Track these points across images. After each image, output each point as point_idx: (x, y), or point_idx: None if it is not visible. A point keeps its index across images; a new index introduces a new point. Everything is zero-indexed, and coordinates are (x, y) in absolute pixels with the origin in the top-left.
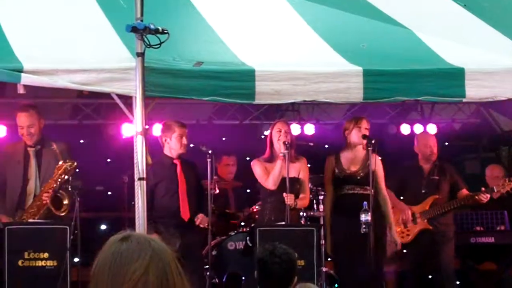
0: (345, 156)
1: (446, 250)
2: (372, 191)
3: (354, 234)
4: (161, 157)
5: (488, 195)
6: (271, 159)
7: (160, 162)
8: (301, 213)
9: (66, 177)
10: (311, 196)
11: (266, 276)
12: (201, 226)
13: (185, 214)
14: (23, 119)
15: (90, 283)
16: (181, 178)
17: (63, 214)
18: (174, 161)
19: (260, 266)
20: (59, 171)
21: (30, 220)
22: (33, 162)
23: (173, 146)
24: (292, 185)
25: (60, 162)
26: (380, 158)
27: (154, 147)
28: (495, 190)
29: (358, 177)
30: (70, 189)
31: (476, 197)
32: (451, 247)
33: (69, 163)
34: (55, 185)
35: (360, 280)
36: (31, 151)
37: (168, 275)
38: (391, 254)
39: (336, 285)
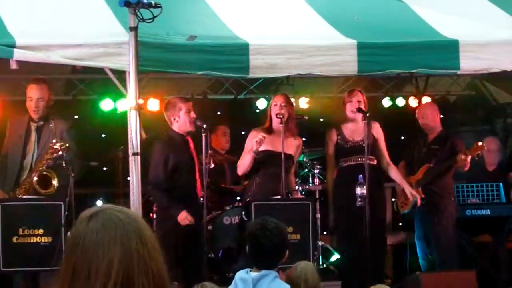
0: (347, 128)
1: (438, 221)
2: (376, 161)
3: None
4: (169, 134)
5: (465, 157)
6: (270, 130)
7: (170, 138)
8: (296, 187)
9: (55, 155)
10: (305, 170)
11: (257, 250)
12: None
13: (200, 191)
14: (34, 91)
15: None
16: (195, 155)
17: (48, 193)
18: (186, 137)
19: (251, 241)
20: (51, 151)
21: (24, 197)
22: (33, 137)
23: (182, 123)
24: (276, 159)
25: (54, 141)
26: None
27: (148, 122)
28: (466, 153)
29: (363, 147)
30: (64, 164)
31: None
32: (444, 219)
33: (61, 144)
34: (45, 164)
35: (359, 254)
36: (33, 126)
37: (134, 267)
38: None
39: (331, 259)
